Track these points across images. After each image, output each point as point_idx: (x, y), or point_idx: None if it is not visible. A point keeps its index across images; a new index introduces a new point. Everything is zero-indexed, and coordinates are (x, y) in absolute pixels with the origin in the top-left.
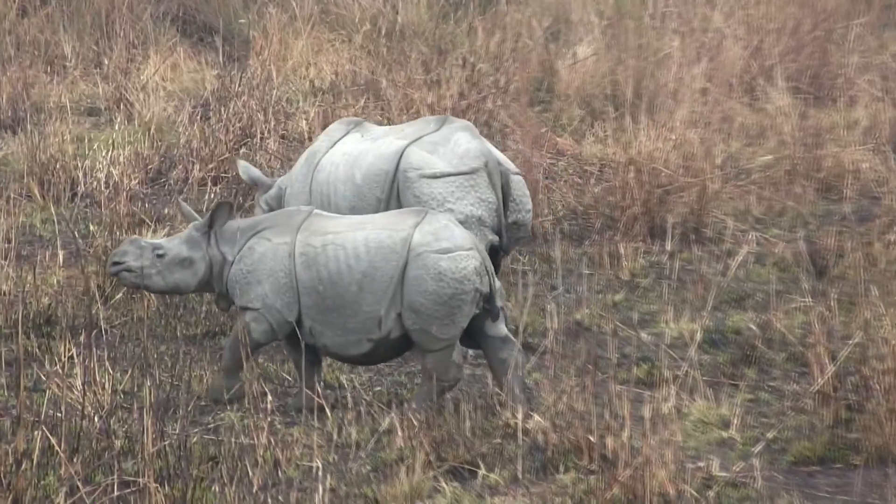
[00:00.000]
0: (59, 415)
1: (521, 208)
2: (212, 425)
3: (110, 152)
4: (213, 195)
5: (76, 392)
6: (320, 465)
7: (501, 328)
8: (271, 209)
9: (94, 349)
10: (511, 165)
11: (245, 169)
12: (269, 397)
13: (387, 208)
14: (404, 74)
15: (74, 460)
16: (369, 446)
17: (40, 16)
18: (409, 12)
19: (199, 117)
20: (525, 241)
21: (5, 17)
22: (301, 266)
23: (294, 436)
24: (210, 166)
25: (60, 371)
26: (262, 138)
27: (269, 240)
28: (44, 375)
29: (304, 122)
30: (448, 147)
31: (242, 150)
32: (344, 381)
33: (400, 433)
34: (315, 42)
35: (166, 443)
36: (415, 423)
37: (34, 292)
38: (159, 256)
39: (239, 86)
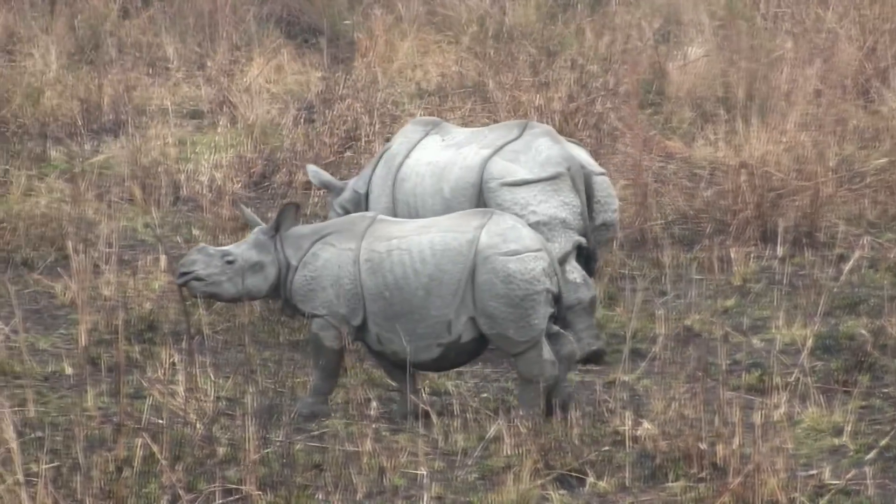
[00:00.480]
0: (160, 422)
1: (608, 209)
2: (316, 432)
3: (213, 156)
4: (317, 199)
5: (178, 399)
6: (426, 473)
7: (551, 325)
8: (347, 212)
9: (197, 355)
10: (595, 166)
11: (315, 173)
12: (374, 404)
13: None
14: (512, 76)
15: (176, 468)
16: (476, 454)
17: (142, 17)
18: (517, 13)
19: (303, 120)
20: (612, 242)
21: (107, 19)
22: (366, 272)
23: (399, 443)
24: None
25: (162, 377)
26: (367, 141)
27: (333, 245)
28: (145, 382)
29: None
30: (530, 154)
31: (347, 153)
32: (450, 388)
33: (507, 440)
34: (421, 43)
35: (270, 450)
36: (522, 430)
37: (136, 298)
38: (229, 263)
39: (344, 88)
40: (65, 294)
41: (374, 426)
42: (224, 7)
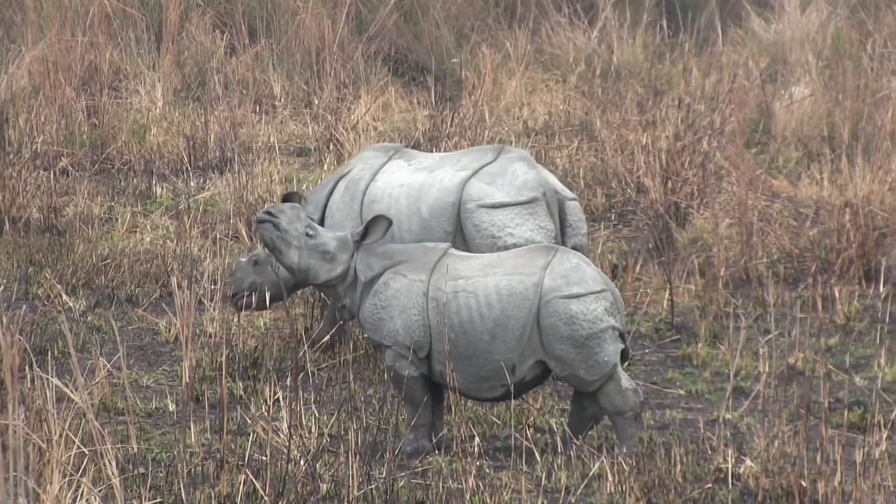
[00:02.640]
0: (264, 458)
1: (578, 233)
2: (419, 469)
3: None
4: None
5: (282, 435)
6: None
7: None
8: None
9: (301, 392)
10: (567, 192)
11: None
12: (477, 441)
13: (454, 241)
14: (619, 115)
15: None
16: (579, 491)
17: (249, 54)
18: (625, 52)
19: None
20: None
21: (213, 56)
22: (432, 310)
23: (503, 480)
24: None
25: (266, 414)
26: None
27: (404, 276)
28: (249, 418)
29: None
30: (506, 178)
31: None
32: (553, 425)
33: (610, 478)
34: (528, 82)
35: (372, 486)
36: (625, 467)
37: (240, 334)
38: (308, 235)
39: (451, 126)
40: (168, 331)
41: (477, 463)
42: (331, 44)
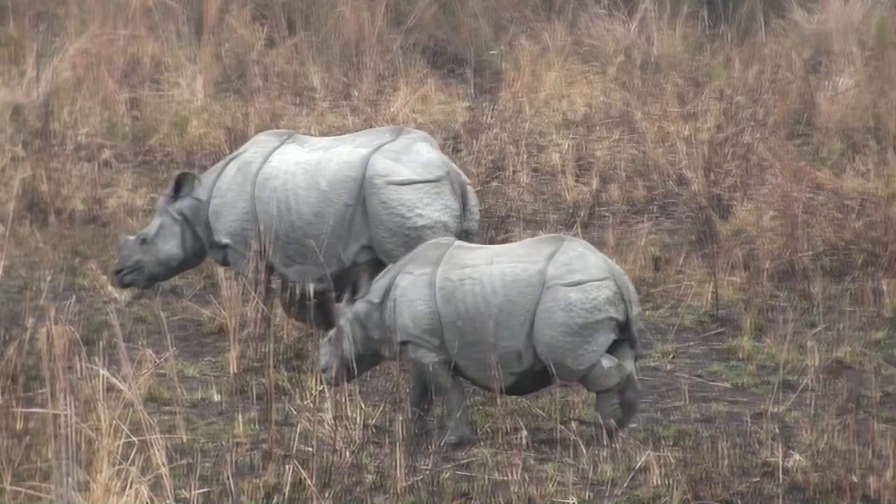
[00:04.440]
0: (309, 449)
1: (472, 218)
2: (464, 461)
3: None
4: None
5: (327, 426)
6: (575, 503)
7: (628, 364)
8: (184, 218)
9: (345, 383)
10: (463, 176)
11: (184, 178)
12: (523, 433)
13: (354, 214)
14: (659, 107)
15: (325, 495)
16: (624, 484)
17: (288, 46)
18: (664, 44)
19: (449, 150)
20: None
21: (253, 48)
22: (441, 300)
23: (548, 472)
24: None
25: (311, 405)
26: (513, 171)
27: (410, 273)
28: (294, 410)
29: (557, 154)
30: (411, 156)
31: (493, 182)
32: (598, 418)
33: (656, 470)
34: (567, 74)
35: (418, 478)
36: (671, 460)
37: (284, 326)
38: (330, 343)
39: (490, 118)
40: (212, 321)
41: (522, 455)
42: (370, 36)
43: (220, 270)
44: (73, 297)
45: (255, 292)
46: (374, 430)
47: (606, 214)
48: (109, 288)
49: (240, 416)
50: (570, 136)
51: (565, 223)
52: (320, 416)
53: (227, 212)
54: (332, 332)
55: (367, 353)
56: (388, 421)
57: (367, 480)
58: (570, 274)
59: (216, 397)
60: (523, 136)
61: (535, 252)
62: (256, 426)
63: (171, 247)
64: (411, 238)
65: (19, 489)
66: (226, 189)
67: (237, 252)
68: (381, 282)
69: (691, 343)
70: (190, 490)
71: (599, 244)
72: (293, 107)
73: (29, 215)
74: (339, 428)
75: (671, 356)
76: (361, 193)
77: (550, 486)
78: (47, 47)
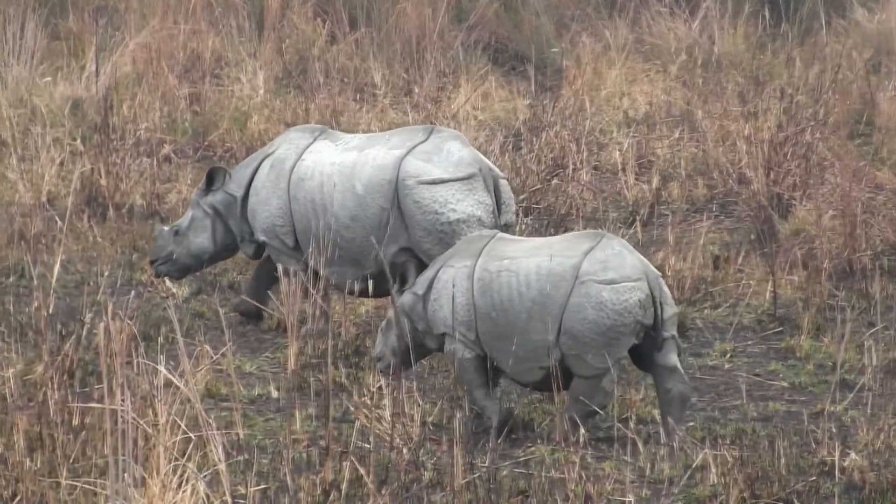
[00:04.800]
0: (367, 446)
1: (509, 210)
2: (522, 458)
3: None
4: (524, 226)
5: (385, 423)
6: (632, 501)
7: (671, 358)
8: (217, 213)
9: (404, 380)
10: (497, 171)
11: (216, 172)
12: (581, 430)
13: (389, 216)
14: (720, 106)
15: (383, 492)
16: (682, 482)
17: (349, 42)
18: (726, 42)
19: (510, 147)
20: None
21: (314, 44)
22: (478, 291)
23: (605, 470)
24: (521, 197)
25: (369, 402)
26: (574, 169)
27: (452, 266)
28: (352, 406)
29: (618, 153)
30: (442, 156)
31: (554, 180)
32: (656, 416)
33: (713, 469)
34: (629, 72)
35: (476, 476)
36: (729, 459)
37: (343, 322)
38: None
39: (551, 116)
40: (272, 317)
41: (580, 453)
42: (431, 33)
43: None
44: (132, 292)
45: (315, 288)
46: (432, 428)
47: (666, 213)
48: (168, 283)
49: (298, 413)
50: (631, 134)
51: (625, 221)
52: (378, 413)
53: (261, 209)
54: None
55: (416, 343)
56: (446, 418)
57: (424, 478)
58: (605, 271)
59: (274, 393)
60: (584, 134)
61: (573, 247)
62: (314, 423)
63: (202, 240)
64: (446, 234)
65: (75, 484)
66: (260, 187)
67: (275, 248)
68: (426, 274)
69: (750, 342)
70: (247, 486)
71: (659, 243)
72: (354, 103)
73: (87, 210)
74: (397, 425)
75: (729, 355)
76: (396, 196)
77: (608, 484)
78: (107, 42)
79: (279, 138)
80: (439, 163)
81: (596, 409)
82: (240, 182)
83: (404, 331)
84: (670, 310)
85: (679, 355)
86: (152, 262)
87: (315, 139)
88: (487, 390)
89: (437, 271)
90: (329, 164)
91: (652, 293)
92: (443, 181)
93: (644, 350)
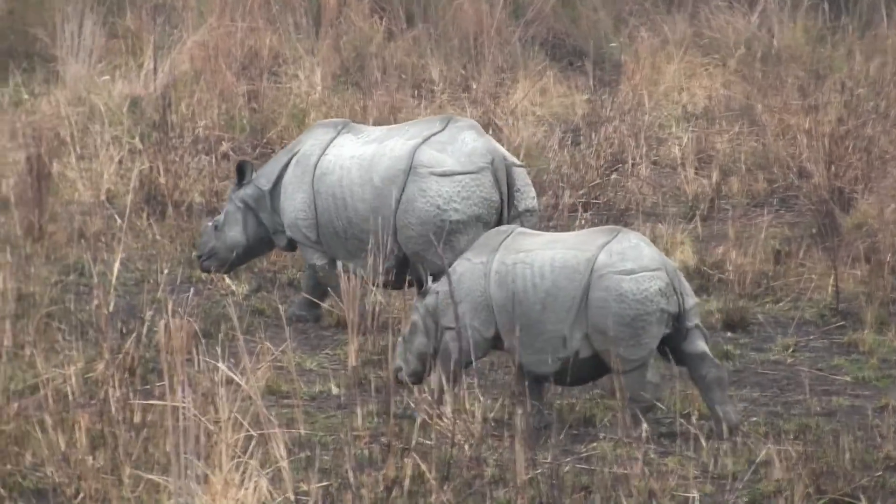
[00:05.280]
0: (429, 442)
1: (527, 196)
2: (584, 454)
3: None
4: (583, 221)
5: (446, 420)
6: (696, 496)
7: (699, 345)
8: (248, 206)
9: (465, 377)
10: (514, 159)
11: (244, 166)
12: (644, 426)
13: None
14: (780, 99)
15: (445, 488)
16: (746, 478)
17: (407, 39)
18: (785, 36)
19: (569, 142)
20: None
21: (372, 41)
22: (495, 284)
23: (668, 466)
24: (580, 192)
25: (430, 398)
26: (633, 164)
27: (469, 260)
28: (413, 403)
29: (677, 147)
30: (456, 146)
31: (613, 175)
32: (719, 412)
33: (777, 464)
34: (688, 66)
35: (538, 472)
36: (793, 454)
37: (403, 318)
38: (404, 341)
39: (610, 111)
40: (332, 314)
41: (643, 449)
42: (489, 29)
43: (339, 263)
44: (191, 289)
45: (374, 284)
46: (493, 424)
47: (727, 207)
48: (227, 280)
49: (359, 409)
50: (691, 128)
51: (685, 216)
52: (439, 410)
53: (288, 205)
54: (404, 332)
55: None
56: (507, 414)
57: (486, 474)
58: (623, 262)
59: (335, 390)
60: (643, 129)
61: (590, 241)
62: (375, 419)
63: (235, 233)
64: (440, 230)
65: (138, 482)
66: (288, 183)
67: (300, 242)
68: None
69: (812, 336)
70: (309, 483)
71: (719, 238)
72: (412, 99)
73: (147, 208)
74: (458, 421)
75: (792, 350)
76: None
77: (671, 479)
78: (165, 39)
79: (305, 133)
80: (453, 153)
81: (652, 401)
82: (269, 176)
83: (428, 335)
84: (691, 300)
85: (707, 342)
86: (198, 258)
87: (338, 133)
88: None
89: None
90: (349, 157)
91: (672, 284)
92: (454, 173)
93: (672, 343)
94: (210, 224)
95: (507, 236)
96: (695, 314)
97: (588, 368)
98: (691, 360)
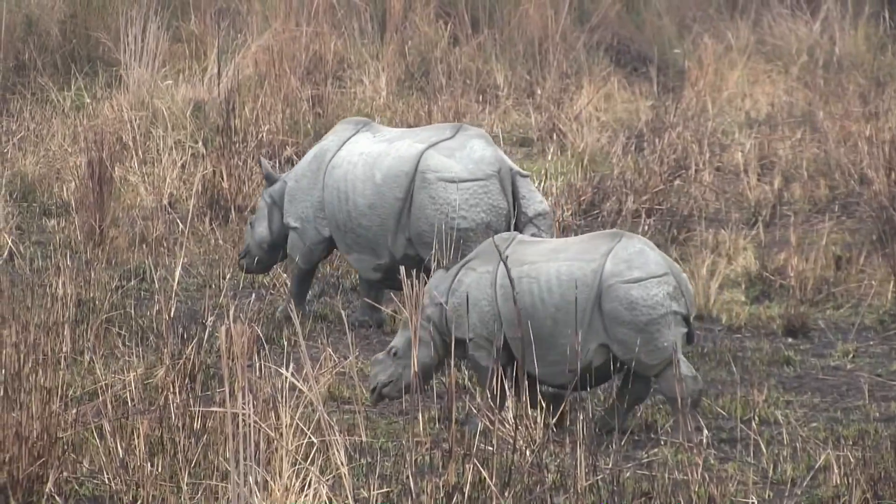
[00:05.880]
0: (490, 448)
1: (534, 200)
2: (645, 460)
3: (542, 183)
4: (646, 227)
5: (507, 426)
6: (755, 502)
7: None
8: (273, 202)
9: (526, 382)
10: (519, 170)
11: (264, 165)
12: (704, 432)
13: (403, 208)
14: (841, 106)
15: (506, 494)
16: (805, 483)
17: (472, 44)
18: (847, 43)
19: (632, 148)
20: (552, 228)
21: (437, 46)
22: (501, 298)
23: (728, 472)
24: (644, 198)
25: (492, 404)
26: (696, 170)
27: (474, 270)
28: (475, 408)
29: (740, 154)
30: (464, 153)
31: (677, 181)
32: (779, 417)
33: (836, 470)
34: (751, 73)
35: (599, 477)
36: (851, 459)
37: (465, 324)
38: (397, 356)
39: (674, 117)
40: (393, 320)
41: (703, 455)
42: (554, 35)
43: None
44: (253, 295)
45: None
46: (554, 430)
47: (788, 214)
48: (290, 286)
49: (420, 415)
50: (753, 135)
51: (747, 222)
52: (501, 416)
53: (301, 197)
54: (391, 348)
55: (447, 357)
56: (568, 420)
57: (547, 480)
58: (630, 271)
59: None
60: (706, 135)
61: (592, 249)
62: (437, 425)
63: (262, 229)
64: (450, 237)
65: (197, 489)
66: (301, 175)
67: (299, 238)
68: (445, 284)
69: (872, 342)
70: (370, 490)
71: (781, 243)
72: (476, 104)
73: (209, 213)
74: (519, 427)
75: (852, 355)
76: (412, 188)
77: (731, 485)
78: (229, 44)
79: (331, 130)
80: (460, 159)
81: (694, 395)
82: (296, 172)
83: (436, 348)
84: (692, 309)
85: (691, 343)
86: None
87: (357, 131)
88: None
89: (456, 277)
90: (358, 154)
91: (679, 287)
92: (461, 180)
93: None
94: (248, 223)
95: (509, 245)
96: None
97: (603, 373)
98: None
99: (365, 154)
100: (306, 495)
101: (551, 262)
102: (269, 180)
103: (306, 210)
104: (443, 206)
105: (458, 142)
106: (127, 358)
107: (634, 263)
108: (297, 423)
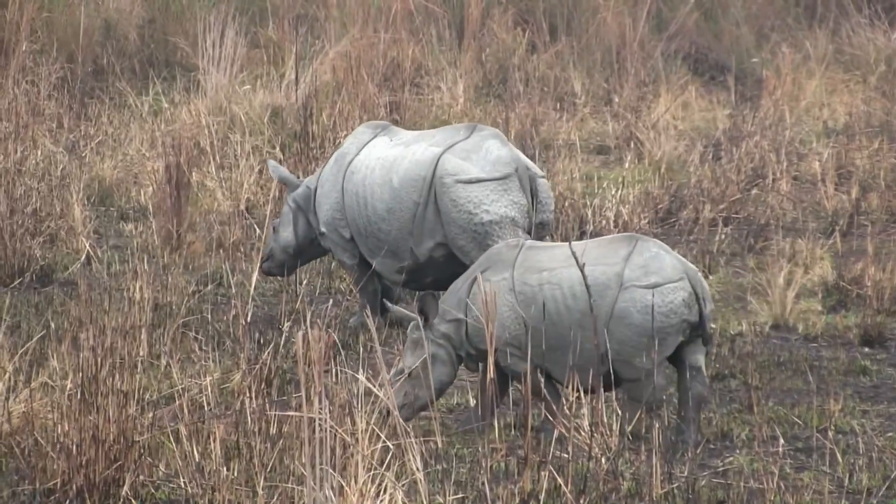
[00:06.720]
0: (565, 455)
1: (546, 209)
2: (720, 468)
3: (619, 191)
4: (723, 236)
5: (583, 433)
6: None
7: (698, 358)
8: (298, 207)
9: (602, 390)
10: (537, 169)
11: (274, 168)
12: (781, 441)
13: (423, 212)
14: None
15: (581, 501)
16: (881, 493)
17: (550, 52)
18: None
19: (710, 157)
20: (546, 238)
21: (515, 53)
22: (522, 305)
23: (804, 481)
24: (721, 207)
25: (568, 412)
26: (773, 179)
27: (489, 280)
28: (550, 416)
29: (818, 163)
30: (480, 154)
31: (754, 190)
32: (856, 427)
33: None
34: (829, 82)
35: (674, 486)
36: None
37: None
38: (411, 377)
39: (751, 125)
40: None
41: (778, 464)
42: (632, 43)
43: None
44: (330, 300)
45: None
46: (630, 437)
47: (866, 223)
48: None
49: (496, 422)
50: (831, 144)
51: (825, 232)
52: (577, 423)
53: (323, 202)
54: (401, 369)
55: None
56: (644, 428)
57: (623, 488)
58: (647, 276)
59: (472, 402)
60: (784, 144)
61: (611, 253)
62: (513, 432)
63: (287, 234)
64: (479, 234)
65: (273, 493)
66: (324, 180)
67: (333, 241)
68: (458, 296)
69: None
70: (445, 496)
71: (858, 253)
72: (554, 112)
73: None
74: (595, 435)
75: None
76: (431, 192)
77: (807, 494)
78: (307, 50)
79: (350, 134)
80: (477, 161)
81: (658, 402)
82: (317, 176)
83: (452, 364)
84: (710, 305)
85: (707, 355)
86: (261, 262)
87: (376, 135)
88: (556, 391)
89: (469, 289)
90: (375, 158)
91: (694, 290)
92: (479, 180)
93: (679, 347)
94: (272, 227)
95: (520, 251)
96: (709, 320)
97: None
98: (686, 371)
99: (382, 158)
100: (381, 500)
101: (572, 268)
102: (290, 185)
103: (328, 213)
104: (464, 205)
105: (474, 143)
106: (203, 362)
107: (651, 268)
108: (373, 428)
